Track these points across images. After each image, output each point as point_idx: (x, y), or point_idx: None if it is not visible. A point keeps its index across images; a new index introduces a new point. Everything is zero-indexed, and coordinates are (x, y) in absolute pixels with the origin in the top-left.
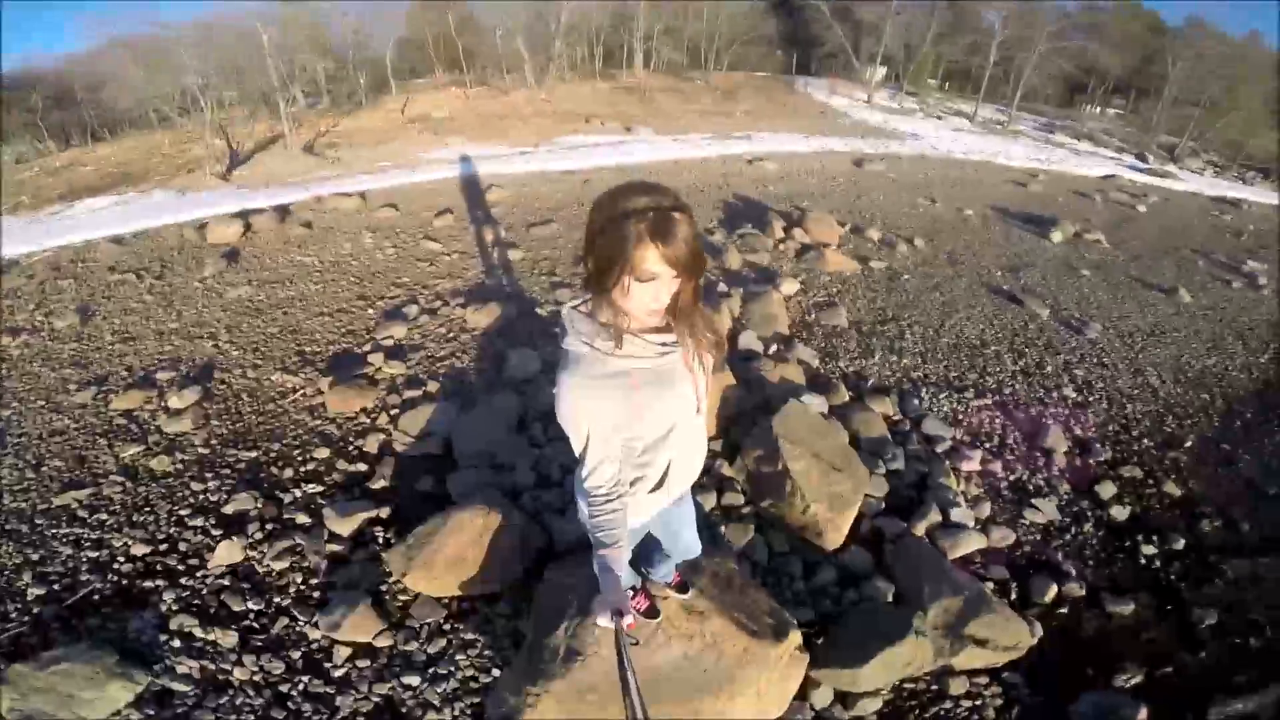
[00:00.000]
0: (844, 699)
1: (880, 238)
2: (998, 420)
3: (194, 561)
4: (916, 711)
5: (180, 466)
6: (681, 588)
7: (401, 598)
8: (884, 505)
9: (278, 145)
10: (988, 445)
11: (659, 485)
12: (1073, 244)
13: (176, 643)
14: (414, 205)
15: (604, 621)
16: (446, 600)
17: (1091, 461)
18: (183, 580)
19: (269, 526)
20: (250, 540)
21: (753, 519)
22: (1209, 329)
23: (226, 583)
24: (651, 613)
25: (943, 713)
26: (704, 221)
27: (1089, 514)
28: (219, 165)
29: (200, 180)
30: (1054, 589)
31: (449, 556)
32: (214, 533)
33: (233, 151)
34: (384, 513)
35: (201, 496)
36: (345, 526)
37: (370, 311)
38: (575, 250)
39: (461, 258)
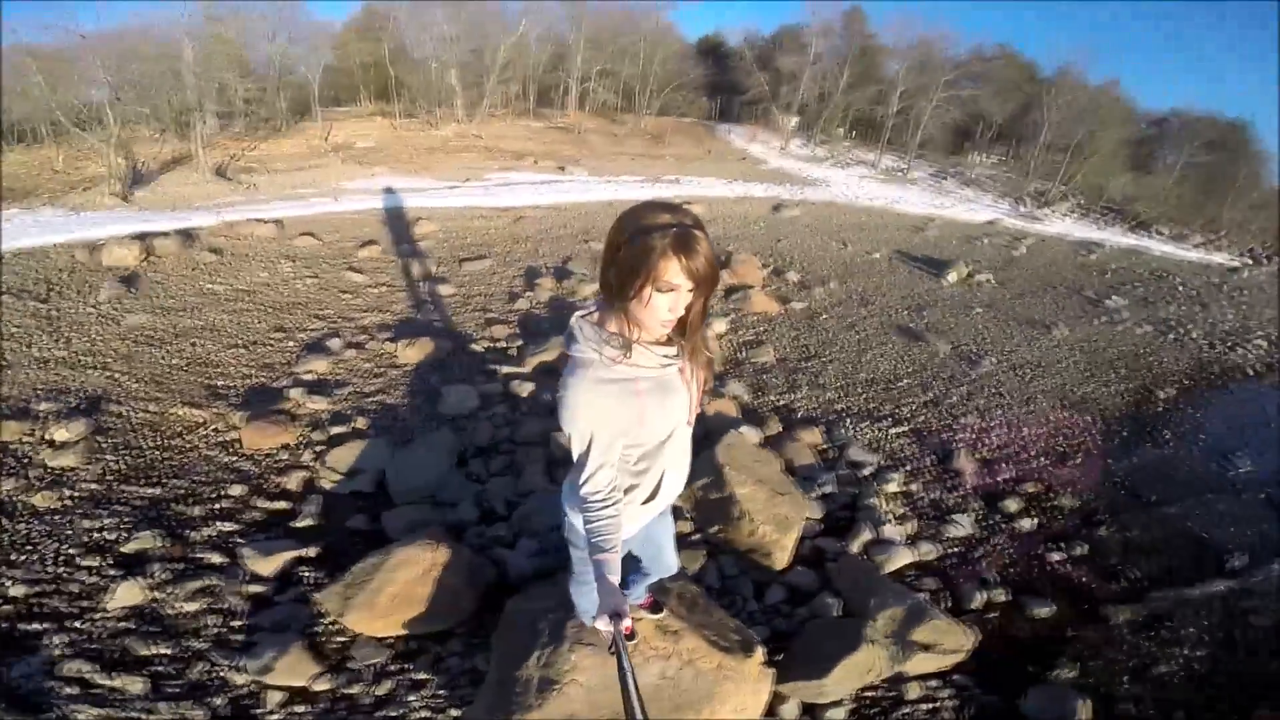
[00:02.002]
0: (811, 710)
1: (799, 279)
2: (914, 446)
3: (87, 603)
4: (881, 717)
5: (68, 503)
6: (655, 608)
7: (339, 639)
8: (821, 527)
9: (186, 166)
10: (907, 469)
11: (652, 497)
12: (965, 285)
13: (71, 690)
14: (336, 235)
15: (602, 625)
16: (391, 640)
17: (996, 480)
18: (74, 623)
19: (176, 566)
20: (154, 581)
21: (703, 545)
22: (1084, 360)
23: (129, 625)
24: (629, 635)
25: (905, 716)
26: None
27: (1001, 526)
28: (119, 184)
29: (97, 199)
30: (982, 596)
31: (394, 594)
32: (110, 572)
33: (135, 170)
34: (311, 552)
35: (95, 535)
36: (268, 566)
37: (289, 344)
38: (510, 288)
39: (388, 291)
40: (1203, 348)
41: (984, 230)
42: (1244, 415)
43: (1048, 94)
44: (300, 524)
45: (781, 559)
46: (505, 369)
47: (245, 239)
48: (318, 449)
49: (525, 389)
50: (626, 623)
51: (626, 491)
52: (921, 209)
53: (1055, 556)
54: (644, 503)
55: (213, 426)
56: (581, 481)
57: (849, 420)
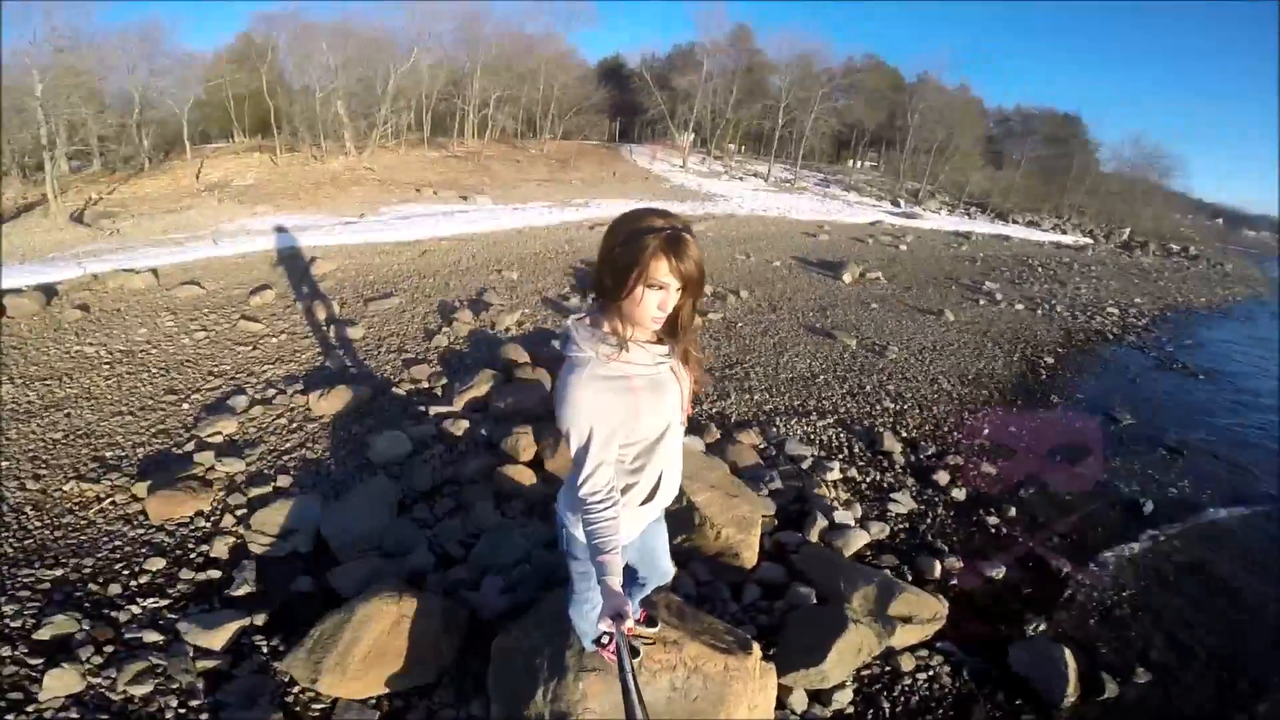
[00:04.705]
0: (817, 697)
1: (712, 291)
2: (843, 435)
3: (17, 695)
4: (885, 693)
5: None
6: (650, 621)
7: (317, 706)
8: (777, 522)
9: (35, 213)
10: (842, 456)
11: (650, 497)
12: (860, 283)
13: None
14: (222, 281)
15: (604, 626)
16: (374, 700)
17: (922, 456)
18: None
19: (108, 649)
20: (89, 665)
21: (672, 556)
22: (973, 340)
23: (73, 715)
24: (631, 652)
25: (907, 688)
26: (557, 288)
27: (937, 499)
28: None
29: None
30: (938, 565)
31: (366, 652)
32: (32, 661)
33: None
34: (259, 619)
35: None
36: (214, 639)
37: (185, 406)
38: (425, 325)
39: (291, 339)
40: (1067, 319)
41: (869, 231)
42: (1113, 374)
43: (910, 100)
44: (238, 592)
45: (750, 558)
46: (435, 409)
47: (116, 292)
48: (239, 513)
49: (460, 427)
50: (629, 623)
51: (624, 491)
52: (812, 215)
53: (992, 520)
54: (642, 503)
55: (109, 500)
56: (580, 481)
57: (780, 418)
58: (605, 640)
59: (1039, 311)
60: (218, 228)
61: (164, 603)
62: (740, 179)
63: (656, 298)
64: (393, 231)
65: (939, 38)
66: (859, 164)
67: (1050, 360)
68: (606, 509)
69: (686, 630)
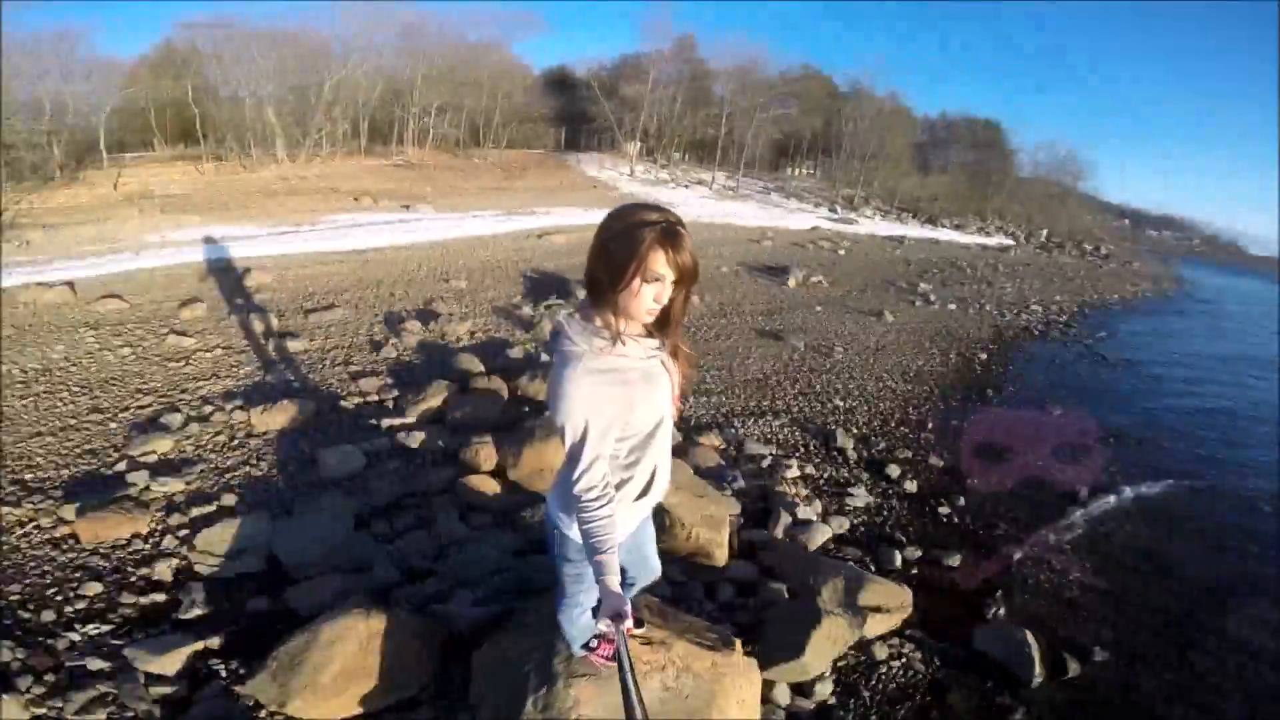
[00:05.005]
0: (800, 689)
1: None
2: (799, 433)
3: None
4: (864, 681)
5: None
6: (636, 623)
7: None
8: (743, 520)
9: None
10: (799, 454)
11: (644, 492)
12: (804, 287)
13: None
14: (148, 295)
15: (604, 626)
16: None
17: (874, 451)
18: None
19: (50, 677)
20: (30, 696)
21: None
22: (912, 339)
23: None
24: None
25: (885, 674)
26: (509, 296)
27: (891, 492)
28: None
29: None
30: (898, 555)
31: (338, 671)
32: None
33: None
34: (215, 642)
35: None
36: (167, 664)
37: (113, 425)
38: (371, 336)
39: (227, 354)
40: (996, 317)
41: (810, 237)
42: (1041, 367)
43: (846, 108)
44: (187, 615)
45: (721, 556)
46: (388, 422)
47: (27, 307)
48: (181, 534)
49: (416, 440)
50: (628, 623)
51: (619, 487)
52: (756, 222)
53: (944, 510)
54: (637, 498)
55: (33, 524)
56: (576, 477)
57: (738, 419)
58: (594, 644)
59: (970, 311)
60: (139, 239)
61: (106, 628)
62: (686, 187)
63: (653, 290)
64: (332, 241)
65: (868, 42)
66: (798, 171)
67: (984, 356)
68: (602, 507)
69: (671, 629)
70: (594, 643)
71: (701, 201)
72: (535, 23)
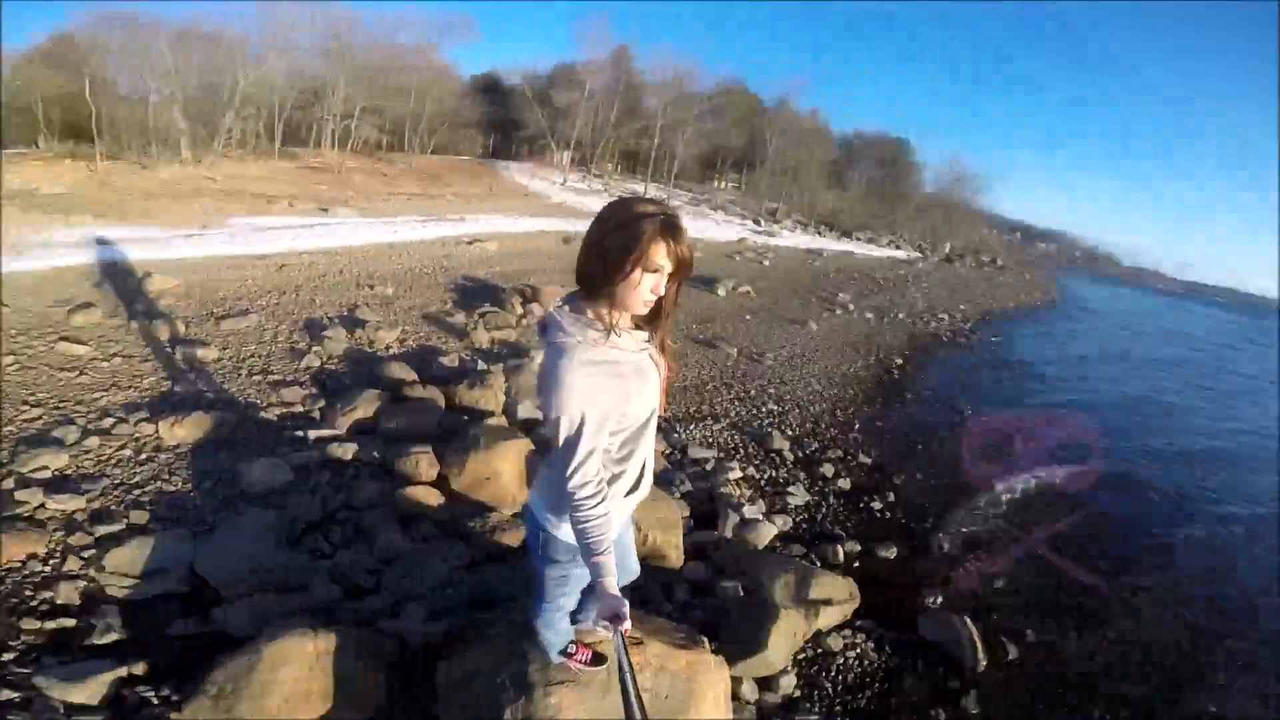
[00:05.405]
0: (765, 684)
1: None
2: (737, 437)
3: None
4: (824, 673)
5: None
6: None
7: None
8: (692, 522)
9: None
10: (739, 456)
11: (634, 487)
12: (733, 296)
13: None
14: (31, 299)
15: (601, 629)
16: None
17: (807, 452)
18: None
19: None
20: None
21: None
22: (835, 346)
23: None
24: (597, 660)
25: (842, 665)
26: (440, 303)
27: (826, 490)
28: None
29: None
30: (840, 550)
31: (287, 695)
32: None
33: None
34: (138, 668)
35: None
36: (85, 693)
37: None
38: (291, 344)
39: (127, 362)
40: (909, 325)
41: (736, 248)
42: (950, 371)
43: (769, 125)
44: (103, 640)
45: (676, 558)
46: (315, 433)
47: None
48: (86, 554)
49: (347, 451)
50: (626, 625)
51: (611, 483)
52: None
53: (876, 506)
54: (627, 494)
55: None
56: (570, 472)
57: (680, 425)
58: (572, 649)
59: (885, 319)
60: (21, 238)
61: (8, 656)
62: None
63: (652, 281)
64: (243, 245)
65: (792, 55)
66: (723, 185)
67: (900, 362)
68: (598, 504)
69: (643, 630)
70: (572, 648)
71: None
72: (468, 27)
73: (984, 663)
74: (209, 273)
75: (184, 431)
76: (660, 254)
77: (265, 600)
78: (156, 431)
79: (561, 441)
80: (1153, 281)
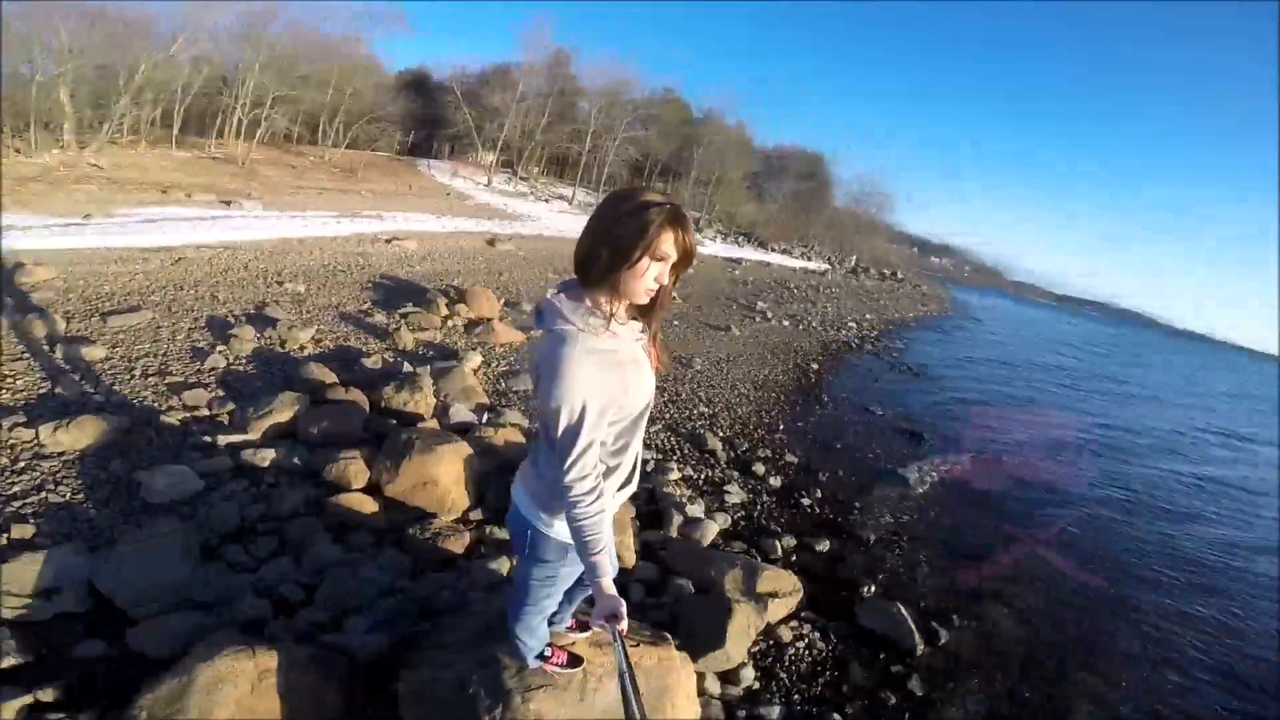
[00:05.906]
0: (727, 678)
1: (531, 309)
2: (673, 438)
3: None
4: (778, 664)
5: None
6: (583, 627)
7: None
8: (639, 523)
9: None
10: (676, 457)
11: (628, 480)
12: None
13: None
14: None
15: (599, 628)
16: None
17: (739, 452)
18: None
19: None
20: None
21: None
22: (756, 351)
23: None
24: (574, 662)
25: (794, 655)
26: (358, 302)
27: (760, 488)
28: None
29: None
30: (778, 544)
31: (232, 717)
32: None
33: None
34: (47, 694)
35: None
36: None
37: None
38: (192, 343)
39: None
40: (821, 333)
41: None
42: (861, 376)
43: (698, 134)
44: (3, 664)
45: (629, 559)
46: (226, 439)
47: None
48: None
49: (264, 458)
50: (623, 624)
51: (606, 476)
52: None
53: (806, 502)
54: (620, 488)
55: None
56: (569, 465)
57: None
58: (549, 653)
59: (800, 327)
60: None
61: None
62: (545, 200)
63: (657, 269)
64: (133, 236)
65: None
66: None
67: (815, 367)
68: (596, 501)
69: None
70: (548, 651)
71: (561, 215)
72: (398, 21)
73: (922, 645)
74: (93, 265)
75: (69, 437)
76: (668, 242)
77: (183, 618)
78: (36, 437)
79: (560, 432)
80: (1031, 295)
